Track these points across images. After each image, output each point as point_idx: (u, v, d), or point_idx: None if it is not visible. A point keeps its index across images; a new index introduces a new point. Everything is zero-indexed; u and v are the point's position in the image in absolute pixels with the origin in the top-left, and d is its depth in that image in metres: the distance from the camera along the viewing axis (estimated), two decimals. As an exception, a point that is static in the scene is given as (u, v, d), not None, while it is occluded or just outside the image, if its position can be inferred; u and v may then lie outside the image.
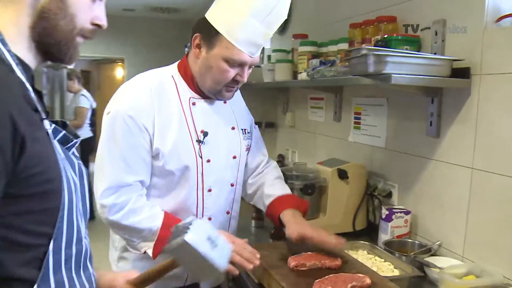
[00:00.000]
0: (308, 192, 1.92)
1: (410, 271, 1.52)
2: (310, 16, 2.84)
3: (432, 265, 1.50)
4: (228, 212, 1.60)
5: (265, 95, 3.39)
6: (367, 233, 2.02)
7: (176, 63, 1.54)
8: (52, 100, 4.89)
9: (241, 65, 1.39)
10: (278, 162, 3.08)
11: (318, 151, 2.77)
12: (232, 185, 1.59)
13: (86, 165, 4.63)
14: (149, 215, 1.38)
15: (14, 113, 0.69)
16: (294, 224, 1.48)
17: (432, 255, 1.68)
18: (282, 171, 1.78)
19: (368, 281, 1.26)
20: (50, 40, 0.81)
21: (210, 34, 1.37)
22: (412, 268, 1.51)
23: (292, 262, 1.39)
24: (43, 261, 0.76)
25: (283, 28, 3.08)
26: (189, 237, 0.92)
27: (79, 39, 0.85)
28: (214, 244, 0.95)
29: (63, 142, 0.86)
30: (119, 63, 9.70)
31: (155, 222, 1.37)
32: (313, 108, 2.83)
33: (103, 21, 0.87)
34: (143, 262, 1.44)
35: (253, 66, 1.46)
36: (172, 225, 1.17)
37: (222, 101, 1.56)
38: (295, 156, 3.11)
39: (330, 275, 1.29)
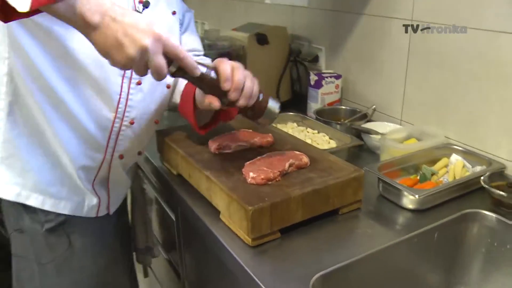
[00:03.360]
0: (225, 63, 1.64)
1: (348, 140, 1.34)
2: None
3: (373, 132, 1.34)
4: (156, 122, 1.18)
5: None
6: (293, 105, 1.82)
7: None
8: None
9: None
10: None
11: (232, 19, 2.44)
12: (168, 86, 1.15)
13: None
14: None
15: None
16: None
17: (368, 121, 1.51)
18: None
19: (305, 159, 1.06)
20: None
21: None
22: (350, 137, 1.33)
23: (213, 145, 1.14)
24: None
25: None
26: None
27: None
28: None
29: None
30: None
31: None
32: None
33: None
34: None
35: None
36: None
37: None
38: (205, 27, 2.76)
39: (263, 156, 1.07)
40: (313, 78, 1.61)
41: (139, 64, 0.75)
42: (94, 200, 1.10)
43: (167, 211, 1.37)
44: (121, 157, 1.11)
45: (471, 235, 1.09)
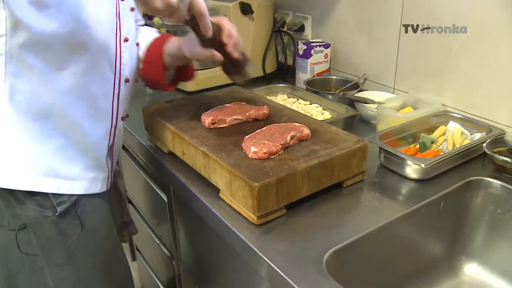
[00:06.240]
0: (209, 35, 1.57)
1: (341, 111, 1.30)
2: None
3: (370, 101, 1.29)
4: (136, 81, 1.15)
5: None
6: (280, 76, 1.76)
7: None
8: None
9: None
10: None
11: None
12: (137, 44, 1.11)
13: None
14: None
15: None
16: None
17: (360, 91, 1.47)
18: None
19: (307, 131, 1.01)
20: None
21: None
22: (346, 107, 1.29)
23: (207, 119, 1.08)
24: None
25: None
26: None
27: None
28: None
29: None
30: None
31: None
32: None
33: None
34: None
35: None
36: None
37: None
38: None
39: (262, 129, 1.02)
40: (301, 47, 1.54)
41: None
42: (105, 173, 1.04)
43: (157, 191, 1.30)
44: (122, 119, 1.06)
45: (475, 203, 1.07)
